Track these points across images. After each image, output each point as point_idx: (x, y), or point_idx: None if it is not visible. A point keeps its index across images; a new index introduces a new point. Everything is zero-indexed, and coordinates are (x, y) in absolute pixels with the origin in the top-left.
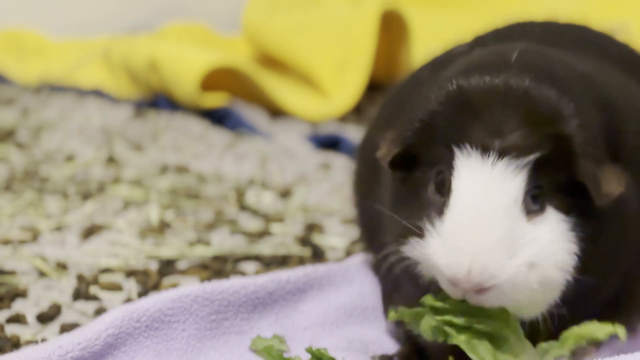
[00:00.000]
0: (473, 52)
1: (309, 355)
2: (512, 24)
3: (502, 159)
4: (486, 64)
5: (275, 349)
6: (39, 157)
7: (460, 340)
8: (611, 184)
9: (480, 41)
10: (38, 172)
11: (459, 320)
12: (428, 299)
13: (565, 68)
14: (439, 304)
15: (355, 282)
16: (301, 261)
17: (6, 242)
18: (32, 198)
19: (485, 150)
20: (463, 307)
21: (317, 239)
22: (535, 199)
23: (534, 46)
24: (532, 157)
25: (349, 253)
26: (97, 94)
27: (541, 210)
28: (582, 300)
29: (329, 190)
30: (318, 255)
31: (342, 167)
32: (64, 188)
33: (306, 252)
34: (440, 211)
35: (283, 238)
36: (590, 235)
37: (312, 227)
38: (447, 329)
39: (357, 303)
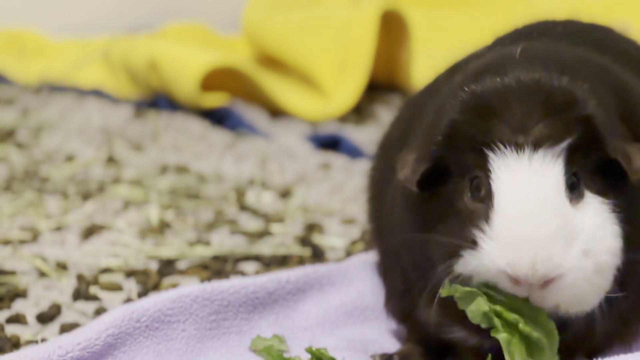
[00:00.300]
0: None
1: (309, 355)
2: (532, 24)
3: (536, 151)
4: (493, 65)
5: (275, 349)
6: (39, 157)
7: (501, 336)
8: (638, 160)
9: (499, 42)
10: (38, 172)
11: (510, 316)
12: (484, 285)
13: (572, 55)
14: (494, 292)
15: (355, 282)
16: (301, 261)
17: (6, 242)
18: (32, 198)
19: (518, 146)
20: (516, 304)
21: (317, 239)
22: (573, 185)
23: (535, 43)
24: (564, 144)
25: (349, 253)
26: (97, 94)
27: (580, 196)
28: (633, 282)
29: (329, 190)
30: (318, 255)
31: (342, 167)
32: (64, 188)
33: (306, 252)
34: (486, 216)
35: (283, 238)
36: (629, 215)
37: (312, 227)
38: (495, 319)
39: (357, 303)
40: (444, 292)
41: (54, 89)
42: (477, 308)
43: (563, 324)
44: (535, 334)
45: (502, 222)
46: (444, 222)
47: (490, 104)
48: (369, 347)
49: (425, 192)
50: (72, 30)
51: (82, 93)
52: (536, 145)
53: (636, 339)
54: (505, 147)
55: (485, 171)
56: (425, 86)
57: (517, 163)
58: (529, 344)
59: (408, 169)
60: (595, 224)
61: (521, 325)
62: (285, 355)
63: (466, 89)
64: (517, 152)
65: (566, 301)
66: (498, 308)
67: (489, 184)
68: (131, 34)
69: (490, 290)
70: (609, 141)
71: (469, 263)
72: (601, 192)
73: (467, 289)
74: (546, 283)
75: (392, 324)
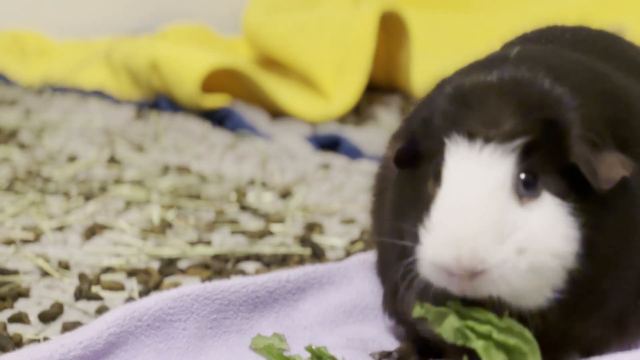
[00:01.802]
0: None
1: (308, 354)
2: (541, 29)
3: (488, 144)
4: (485, 63)
5: (276, 348)
6: (42, 158)
7: (478, 345)
8: (612, 169)
9: (506, 47)
10: (40, 173)
11: (482, 328)
12: (455, 303)
13: (566, 60)
14: (464, 309)
15: (354, 281)
16: (301, 261)
17: (9, 242)
18: (34, 198)
19: (472, 137)
20: (487, 317)
21: (317, 238)
22: (528, 184)
23: (534, 46)
24: (519, 142)
25: (348, 253)
26: (99, 95)
27: (535, 195)
28: (584, 298)
29: (328, 191)
30: (318, 255)
31: (342, 168)
32: (66, 188)
33: (306, 251)
34: (431, 205)
35: (283, 238)
36: (594, 221)
37: (312, 227)
38: (468, 332)
39: (357, 302)
40: (416, 312)
41: (56, 90)
42: (449, 326)
43: (524, 320)
44: (512, 341)
45: (439, 212)
46: (411, 208)
47: (467, 96)
48: (369, 346)
49: (404, 174)
50: (74, 31)
51: (84, 94)
52: (490, 139)
53: (635, 341)
54: (460, 137)
55: (443, 159)
56: (433, 89)
57: (466, 154)
58: (509, 352)
59: (392, 148)
60: (542, 223)
61: (495, 335)
62: (286, 353)
63: (454, 80)
64: (470, 143)
65: (503, 295)
66: (469, 323)
67: (441, 172)
68: (133, 36)
69: (462, 307)
70: (574, 148)
71: (417, 261)
72: (562, 194)
73: (439, 309)
74: (473, 275)
75: (392, 323)
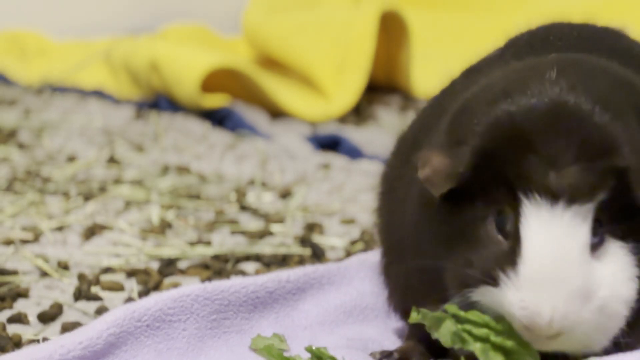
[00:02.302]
0: (509, 65)
1: (309, 354)
2: (547, 26)
3: (571, 205)
4: (526, 82)
5: (276, 348)
6: (41, 158)
7: (476, 347)
8: None
9: (512, 45)
10: (40, 173)
11: (479, 331)
12: (451, 308)
13: (608, 79)
14: (461, 313)
15: (354, 282)
16: (301, 261)
17: (8, 242)
18: (33, 198)
19: (553, 196)
20: (484, 320)
21: (317, 239)
22: (595, 233)
23: (570, 56)
24: (598, 200)
25: (348, 253)
26: (99, 94)
27: (600, 242)
28: (633, 322)
29: (328, 191)
30: (318, 255)
31: (342, 168)
32: (66, 188)
33: (306, 252)
34: (511, 259)
35: (283, 238)
36: None
37: (312, 227)
38: (466, 336)
39: (357, 302)
40: (412, 319)
41: (56, 89)
42: (446, 330)
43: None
44: (510, 343)
45: (528, 272)
46: (461, 245)
47: (524, 132)
48: (369, 346)
49: (444, 203)
50: (74, 31)
51: (83, 94)
52: (571, 199)
53: None
54: (539, 194)
55: (515, 211)
56: (441, 90)
57: (549, 214)
58: (506, 353)
59: (429, 171)
60: (614, 272)
61: (492, 337)
62: (286, 354)
63: (499, 109)
64: (551, 202)
65: (571, 348)
66: (467, 327)
67: (517, 226)
68: (132, 36)
69: (459, 311)
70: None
71: (485, 295)
72: (620, 236)
73: (435, 314)
74: (556, 335)
75: (392, 323)
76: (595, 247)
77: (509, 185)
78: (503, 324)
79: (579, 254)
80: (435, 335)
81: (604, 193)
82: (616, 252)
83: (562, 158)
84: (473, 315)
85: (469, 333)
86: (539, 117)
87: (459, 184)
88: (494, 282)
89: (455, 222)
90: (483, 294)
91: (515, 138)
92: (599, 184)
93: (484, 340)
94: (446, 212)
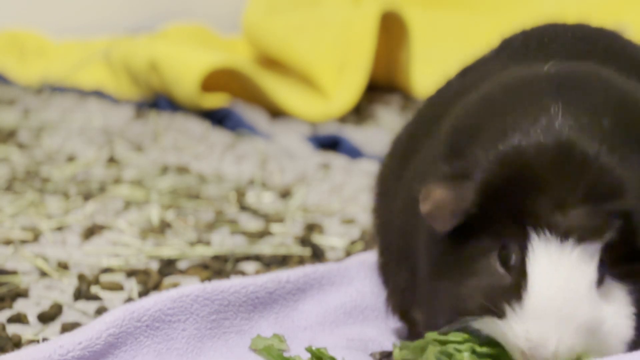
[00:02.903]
0: (506, 68)
1: (308, 355)
2: (541, 27)
3: (579, 244)
4: (533, 119)
5: (275, 349)
6: (40, 158)
7: (465, 356)
8: None
9: (507, 45)
10: (39, 173)
11: (463, 347)
12: (431, 334)
13: (613, 106)
14: (440, 336)
15: (354, 282)
16: (301, 261)
17: (7, 242)
18: (33, 198)
19: (563, 236)
20: (465, 337)
21: (317, 239)
22: (598, 272)
23: (571, 74)
24: (605, 241)
25: (348, 253)
26: (98, 94)
27: (601, 281)
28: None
29: (328, 191)
30: (318, 255)
31: (342, 168)
32: (65, 188)
33: (306, 252)
34: (517, 292)
35: (283, 238)
36: None
37: (312, 227)
38: (452, 351)
39: (357, 302)
40: (395, 356)
41: (55, 89)
42: (431, 353)
43: None
44: (494, 350)
45: (535, 304)
46: (461, 273)
47: (530, 172)
48: (369, 346)
49: (448, 238)
50: (73, 31)
51: (83, 94)
52: (579, 238)
53: None
54: (548, 231)
55: (520, 245)
56: (437, 90)
57: (558, 251)
58: (493, 358)
59: (431, 206)
60: (614, 312)
61: (477, 349)
62: (285, 354)
63: (504, 143)
64: (561, 240)
65: None
66: (450, 346)
67: (523, 261)
68: (132, 35)
69: (439, 336)
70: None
71: (487, 325)
72: (621, 277)
73: (416, 343)
74: None
75: (392, 323)
76: (598, 285)
77: (516, 221)
78: (483, 337)
79: (587, 290)
80: None
81: (610, 234)
82: (616, 293)
83: (570, 198)
84: (452, 336)
85: (455, 349)
86: (546, 157)
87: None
88: (499, 312)
89: (456, 252)
90: (485, 324)
91: (522, 176)
92: (606, 225)
93: (470, 351)
94: (447, 241)
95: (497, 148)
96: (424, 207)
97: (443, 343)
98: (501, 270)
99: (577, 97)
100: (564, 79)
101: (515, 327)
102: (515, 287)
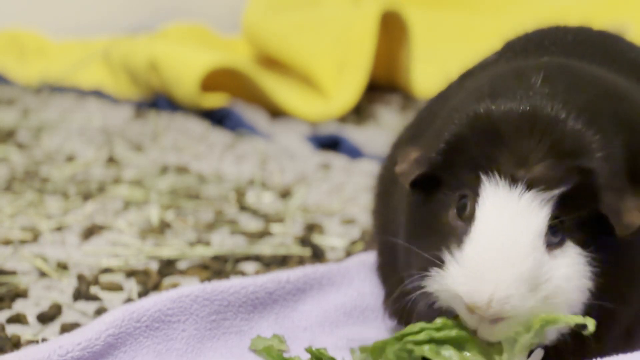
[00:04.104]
0: (498, 65)
1: (308, 355)
2: (543, 30)
3: (529, 190)
4: (511, 87)
5: (275, 349)
6: (40, 158)
7: (423, 350)
8: (633, 215)
9: (509, 48)
10: (38, 173)
11: (420, 337)
12: (388, 340)
13: (592, 88)
14: (398, 333)
15: (354, 282)
16: (301, 261)
17: (7, 242)
18: (32, 198)
19: (513, 180)
20: (420, 327)
21: (317, 239)
22: (555, 232)
23: (559, 63)
24: (558, 191)
25: (348, 253)
26: (98, 94)
27: (560, 243)
28: (598, 329)
29: (328, 191)
30: (318, 255)
31: (342, 168)
32: (65, 188)
33: (306, 252)
34: (461, 239)
35: (283, 238)
36: (607, 270)
37: (312, 227)
38: (410, 346)
39: (357, 303)
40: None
41: (55, 89)
42: (390, 352)
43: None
44: (453, 333)
45: (474, 249)
46: (426, 230)
47: (499, 128)
48: None
49: (420, 194)
50: (72, 31)
51: (82, 93)
52: (531, 185)
53: None
54: (501, 178)
55: (474, 194)
56: (438, 93)
57: (507, 197)
58: (455, 343)
59: (406, 165)
60: (566, 274)
61: (435, 335)
62: (285, 355)
63: (479, 106)
64: (510, 185)
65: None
66: (408, 339)
67: (474, 207)
68: (131, 35)
69: (396, 333)
70: (605, 198)
71: (436, 282)
72: (583, 243)
73: (375, 344)
74: (497, 320)
75: (392, 323)
76: (553, 245)
77: (476, 173)
78: (437, 321)
79: (531, 239)
80: None
81: (565, 187)
82: (574, 258)
83: (532, 154)
84: (408, 328)
85: (413, 343)
86: (515, 119)
87: (430, 171)
88: (441, 263)
89: (425, 211)
90: (434, 281)
91: (488, 132)
92: (560, 177)
93: (428, 342)
94: (419, 204)
95: (470, 109)
96: (398, 167)
97: (400, 338)
98: (457, 221)
99: (558, 78)
100: (550, 66)
101: (454, 273)
102: (461, 235)
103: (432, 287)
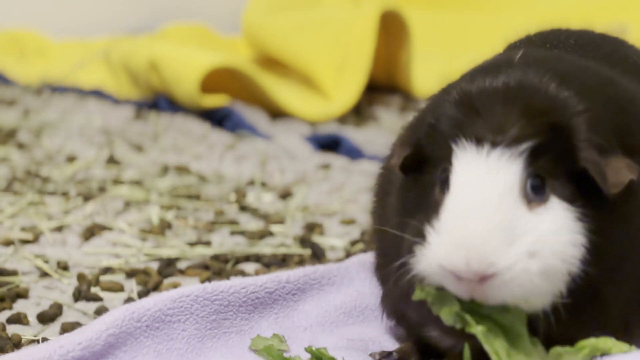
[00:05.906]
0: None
1: (308, 355)
2: (545, 32)
3: (495, 149)
4: (489, 67)
5: (275, 349)
6: (40, 158)
7: (477, 330)
8: (620, 172)
9: (510, 50)
10: (39, 173)
11: (482, 310)
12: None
13: (572, 65)
14: (474, 304)
15: (354, 282)
16: (301, 261)
17: (7, 243)
18: (33, 198)
19: (479, 142)
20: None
21: (317, 239)
22: (537, 188)
23: (546, 52)
24: (525, 146)
25: (348, 253)
26: (98, 94)
27: (543, 200)
28: (588, 303)
29: (328, 191)
30: (318, 255)
31: (342, 168)
32: (65, 188)
33: (306, 252)
34: (438, 211)
35: (283, 238)
36: (600, 227)
37: (312, 227)
38: (468, 316)
39: (357, 303)
40: (416, 295)
41: (55, 89)
42: (449, 310)
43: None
44: (509, 322)
45: (447, 216)
46: (416, 213)
47: (473, 102)
48: (369, 346)
49: (410, 178)
50: (73, 31)
51: (83, 94)
52: (497, 143)
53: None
54: (467, 142)
55: (450, 165)
56: (437, 93)
57: (474, 158)
58: (507, 333)
59: (395, 154)
60: (551, 228)
61: (495, 315)
62: (285, 354)
63: (459, 86)
64: (477, 147)
65: (511, 298)
66: (469, 307)
67: (449, 179)
68: (132, 35)
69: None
70: (582, 152)
71: (420, 260)
72: (570, 199)
73: (439, 291)
74: (483, 279)
75: (391, 324)
76: (536, 202)
77: (451, 144)
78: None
79: (501, 194)
80: (436, 312)
81: (535, 141)
82: (560, 213)
83: (503, 119)
84: (474, 304)
85: (472, 312)
86: (490, 90)
87: (416, 152)
88: (422, 240)
89: (414, 194)
90: (419, 258)
91: (465, 105)
92: (528, 133)
93: (485, 318)
94: (408, 188)
95: (451, 92)
96: (393, 160)
97: (463, 303)
98: (439, 197)
99: (542, 64)
100: (537, 54)
101: (433, 245)
102: (439, 208)
103: (419, 266)
